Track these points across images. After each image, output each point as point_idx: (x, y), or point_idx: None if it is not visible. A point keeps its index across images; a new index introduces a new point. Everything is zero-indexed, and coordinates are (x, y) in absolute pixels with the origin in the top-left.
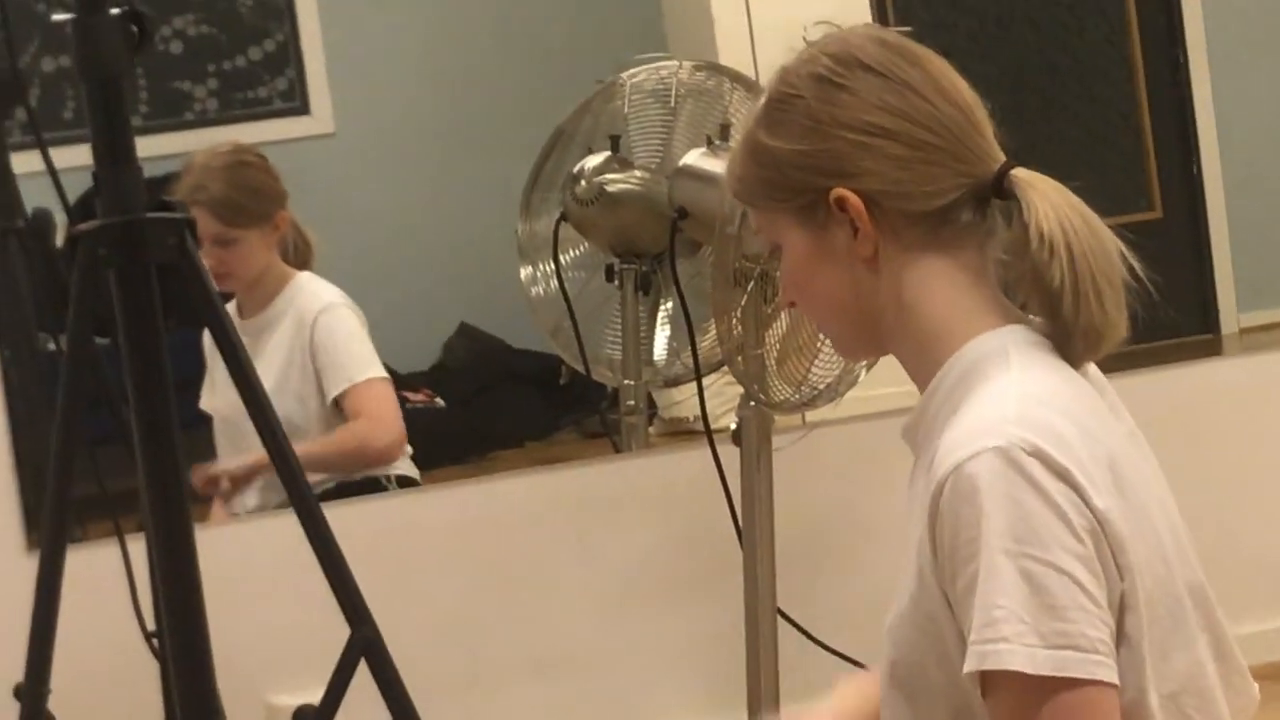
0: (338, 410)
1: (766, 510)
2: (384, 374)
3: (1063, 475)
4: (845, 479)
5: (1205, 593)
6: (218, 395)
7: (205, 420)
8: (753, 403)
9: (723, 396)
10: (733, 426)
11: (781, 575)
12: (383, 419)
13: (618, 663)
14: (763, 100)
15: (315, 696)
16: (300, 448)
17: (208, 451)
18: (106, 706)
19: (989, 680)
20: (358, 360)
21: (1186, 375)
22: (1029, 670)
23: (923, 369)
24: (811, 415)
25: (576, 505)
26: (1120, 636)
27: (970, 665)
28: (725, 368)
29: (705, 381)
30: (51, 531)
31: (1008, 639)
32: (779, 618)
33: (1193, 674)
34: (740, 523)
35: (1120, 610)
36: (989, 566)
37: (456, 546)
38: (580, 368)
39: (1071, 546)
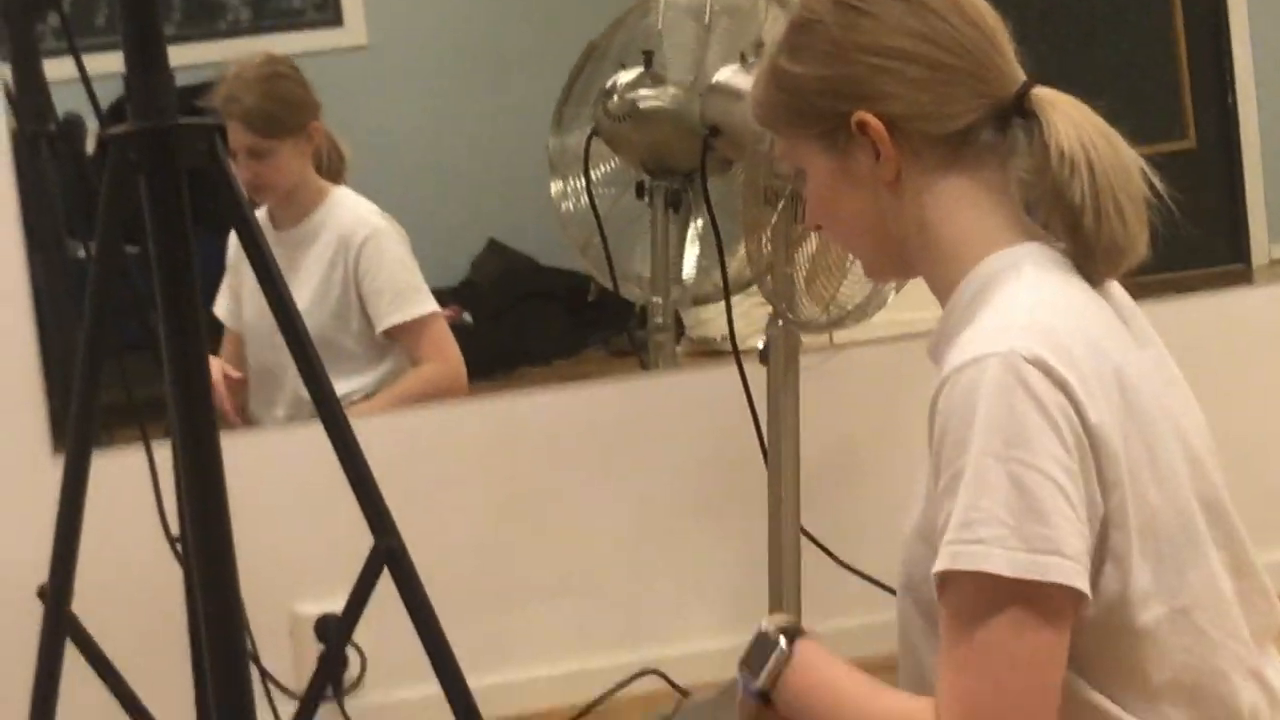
0: (388, 338)
1: (792, 430)
2: (437, 306)
3: (1061, 386)
4: (872, 401)
5: (1223, 509)
6: (246, 305)
7: (216, 327)
8: (781, 322)
9: (750, 319)
10: (760, 346)
11: (806, 496)
12: (450, 359)
13: (641, 581)
14: (784, 26)
15: (339, 606)
16: (376, 400)
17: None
18: (130, 611)
19: (951, 579)
20: (412, 293)
21: (1217, 304)
22: (1006, 573)
23: (945, 287)
24: (839, 336)
25: (603, 423)
26: (1105, 552)
27: (943, 564)
28: (754, 287)
29: (733, 302)
30: (77, 436)
31: (984, 540)
32: (802, 538)
33: (1206, 589)
34: (766, 442)
35: (1104, 526)
36: (977, 468)
37: (483, 462)
38: (609, 285)
39: (1060, 456)
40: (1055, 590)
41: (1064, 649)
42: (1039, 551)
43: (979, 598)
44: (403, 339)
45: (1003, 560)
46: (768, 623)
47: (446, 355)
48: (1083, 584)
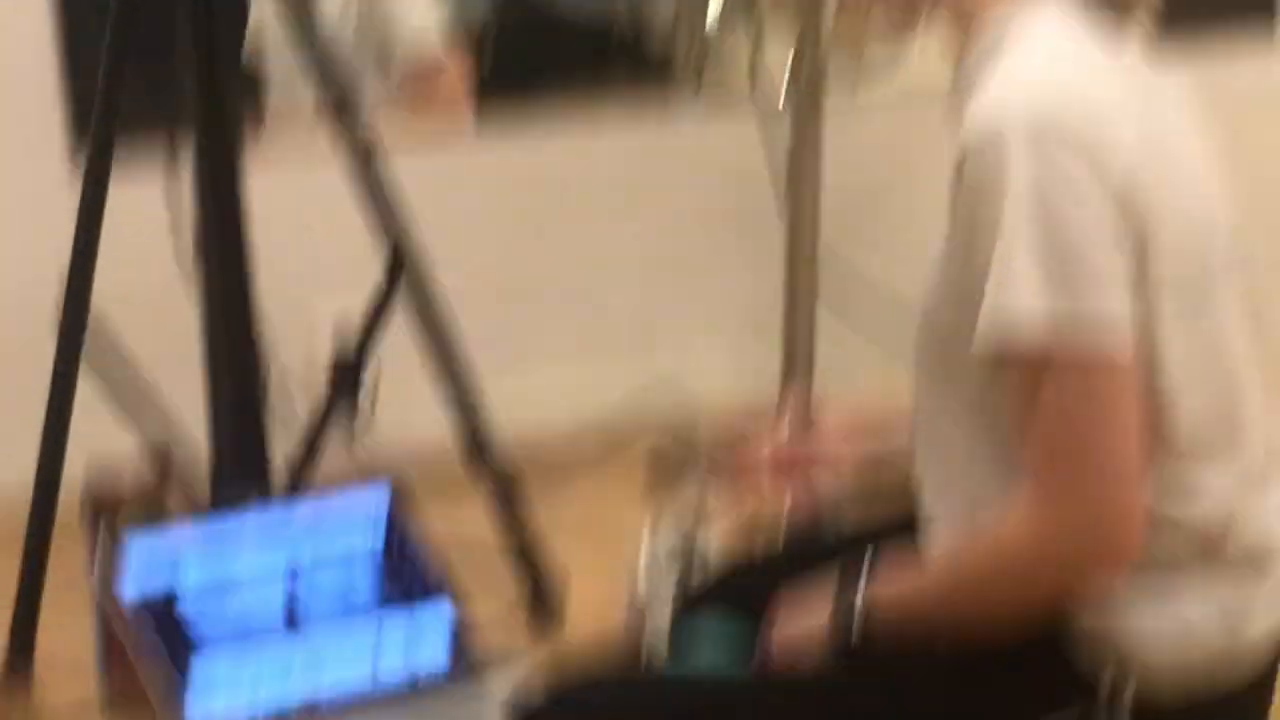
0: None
1: (812, 182)
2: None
3: (1086, 138)
4: (891, 158)
5: (1242, 266)
6: None
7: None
8: (806, 71)
9: (772, 71)
10: (784, 93)
11: (822, 253)
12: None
13: (657, 325)
14: None
15: (356, 308)
16: None
17: None
18: (145, 314)
19: (1007, 343)
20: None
21: (1241, 70)
22: (1042, 334)
23: (961, 43)
24: (863, 92)
25: (626, 164)
26: (1139, 298)
27: (983, 330)
28: (772, 37)
29: (754, 52)
30: (100, 133)
31: (1021, 301)
32: (816, 302)
33: (1218, 340)
34: (785, 194)
35: (1139, 272)
36: (1010, 231)
37: (503, 200)
38: (631, 29)
39: (1088, 213)
40: (1099, 345)
41: (1128, 404)
42: (1073, 311)
43: (1033, 362)
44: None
45: (1039, 321)
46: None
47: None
48: (1116, 339)
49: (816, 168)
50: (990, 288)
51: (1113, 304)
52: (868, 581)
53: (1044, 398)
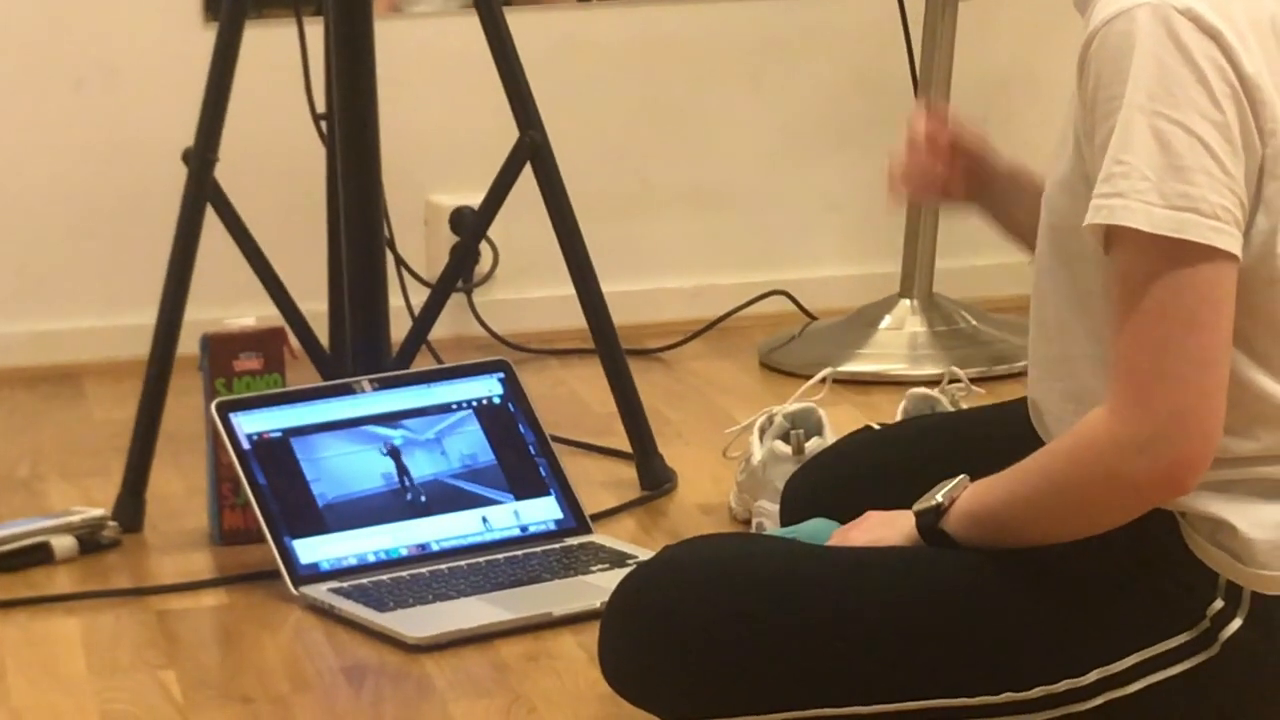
0: None
1: (946, 61)
2: None
3: (1213, 35)
4: (1028, 39)
5: None
6: None
7: None
8: None
9: None
10: None
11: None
12: None
13: (778, 202)
14: None
15: (475, 200)
16: None
17: None
18: (271, 184)
19: (1111, 235)
20: None
21: None
22: (1145, 228)
23: None
24: None
25: (752, 39)
26: (1259, 200)
27: (1090, 218)
28: None
29: None
30: (231, 4)
31: (1125, 194)
32: None
33: None
34: (917, 71)
35: (1260, 175)
36: (1124, 123)
37: (627, 68)
38: None
39: (1208, 112)
40: (1197, 248)
41: (1224, 311)
42: (1175, 208)
43: (1138, 256)
44: None
45: (1143, 215)
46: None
47: None
48: (1222, 242)
49: (951, 44)
50: (1105, 169)
51: (1225, 198)
52: (954, 490)
53: (1142, 287)
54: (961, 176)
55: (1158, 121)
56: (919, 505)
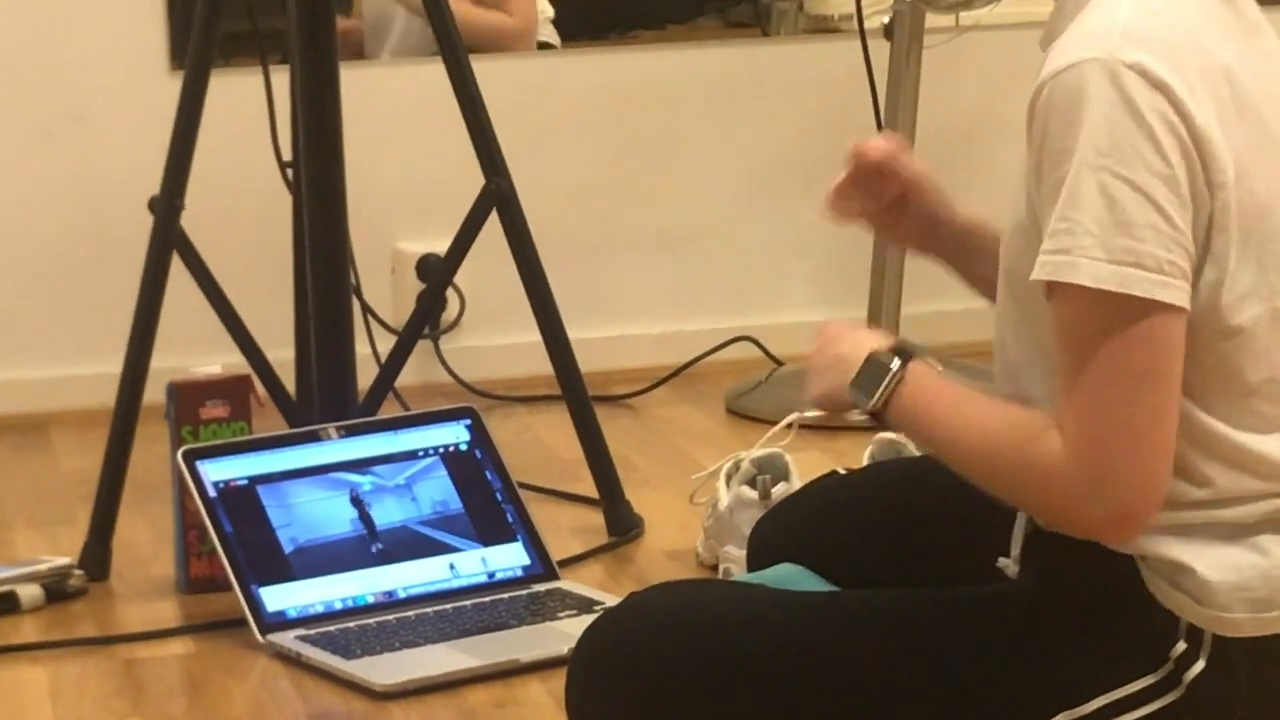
0: None
1: (910, 106)
2: None
3: (1161, 88)
4: (991, 84)
5: None
6: None
7: None
8: None
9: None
10: (885, 21)
11: None
12: (529, 23)
13: (744, 247)
14: None
15: (442, 247)
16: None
17: None
18: (237, 232)
19: (1055, 290)
20: None
21: None
22: (1090, 284)
23: None
24: (965, 18)
25: (718, 84)
26: (1206, 254)
27: (1037, 274)
28: None
29: None
30: (197, 54)
31: (1070, 251)
32: None
33: None
34: (882, 117)
35: (1209, 227)
36: (1073, 179)
37: (594, 114)
38: None
39: (1155, 166)
40: (1143, 303)
41: (1172, 364)
42: (1120, 264)
43: (1082, 311)
44: None
45: (1087, 272)
46: (880, 344)
47: (529, 17)
48: (1169, 295)
49: (915, 90)
50: (1052, 225)
51: (1172, 252)
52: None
53: (1091, 342)
54: (912, 220)
55: (1104, 177)
56: (879, 357)
